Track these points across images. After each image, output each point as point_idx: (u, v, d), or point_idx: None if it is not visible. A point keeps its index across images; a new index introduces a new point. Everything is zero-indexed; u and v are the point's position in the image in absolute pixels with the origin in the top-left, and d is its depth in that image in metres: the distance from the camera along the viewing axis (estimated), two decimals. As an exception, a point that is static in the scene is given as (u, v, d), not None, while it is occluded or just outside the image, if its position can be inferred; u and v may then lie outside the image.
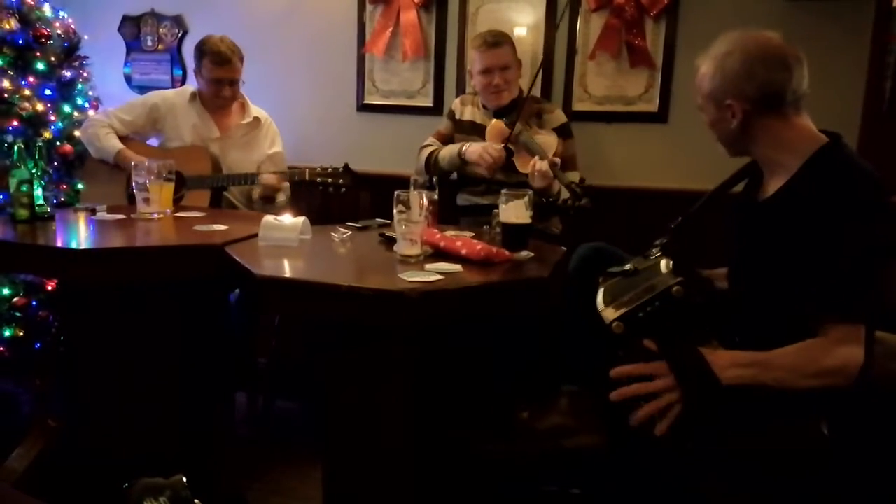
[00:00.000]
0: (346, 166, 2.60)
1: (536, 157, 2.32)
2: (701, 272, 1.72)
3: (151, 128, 2.84)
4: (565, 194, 2.23)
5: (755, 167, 1.65)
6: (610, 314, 1.41)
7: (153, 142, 2.89)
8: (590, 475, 1.73)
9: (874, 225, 1.39)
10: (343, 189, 2.60)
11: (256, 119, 2.89)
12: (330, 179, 2.59)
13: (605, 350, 1.46)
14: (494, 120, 2.59)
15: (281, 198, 2.79)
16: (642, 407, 1.39)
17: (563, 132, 2.61)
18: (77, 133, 2.83)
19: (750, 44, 1.50)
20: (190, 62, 3.32)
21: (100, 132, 2.72)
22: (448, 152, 2.64)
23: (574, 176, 2.54)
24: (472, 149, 2.54)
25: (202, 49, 2.73)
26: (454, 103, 2.82)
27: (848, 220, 1.39)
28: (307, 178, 2.62)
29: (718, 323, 1.47)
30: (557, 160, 2.32)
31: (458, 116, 2.76)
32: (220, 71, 2.72)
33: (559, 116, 2.66)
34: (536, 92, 2.79)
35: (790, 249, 1.45)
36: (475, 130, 2.68)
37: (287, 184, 2.87)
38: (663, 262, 1.46)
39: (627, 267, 1.55)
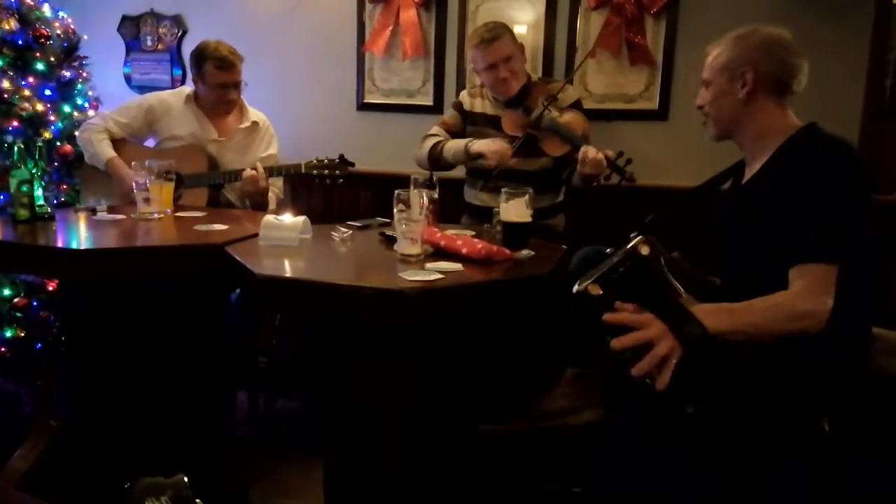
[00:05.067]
0: (341, 157, 2.59)
1: (588, 147, 2.28)
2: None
3: (148, 130, 2.82)
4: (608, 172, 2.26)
5: (739, 166, 1.72)
6: (584, 284, 1.43)
7: (150, 143, 2.88)
8: (590, 472, 1.73)
9: (843, 174, 1.46)
10: (340, 180, 2.59)
11: (255, 123, 2.87)
12: (326, 171, 2.58)
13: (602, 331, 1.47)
14: (508, 113, 2.54)
15: (272, 204, 2.76)
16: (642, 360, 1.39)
17: (579, 108, 2.58)
18: (77, 133, 2.83)
19: (771, 30, 1.62)
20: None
21: (94, 138, 2.69)
22: (454, 145, 2.57)
23: None
24: (478, 143, 2.49)
25: (202, 56, 2.70)
26: (462, 95, 2.74)
27: (816, 172, 1.47)
28: (303, 170, 2.61)
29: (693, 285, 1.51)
30: (610, 152, 2.26)
31: (468, 108, 2.69)
32: (224, 75, 2.69)
33: (571, 94, 2.61)
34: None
35: (771, 217, 1.50)
36: (489, 122, 2.62)
37: (279, 184, 2.87)
38: (635, 239, 1.48)
39: (607, 251, 1.59)
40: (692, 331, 1.36)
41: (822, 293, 1.39)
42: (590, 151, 2.26)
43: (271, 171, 2.68)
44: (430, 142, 2.66)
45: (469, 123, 2.69)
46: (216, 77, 2.70)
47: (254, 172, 2.59)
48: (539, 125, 2.45)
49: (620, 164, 2.22)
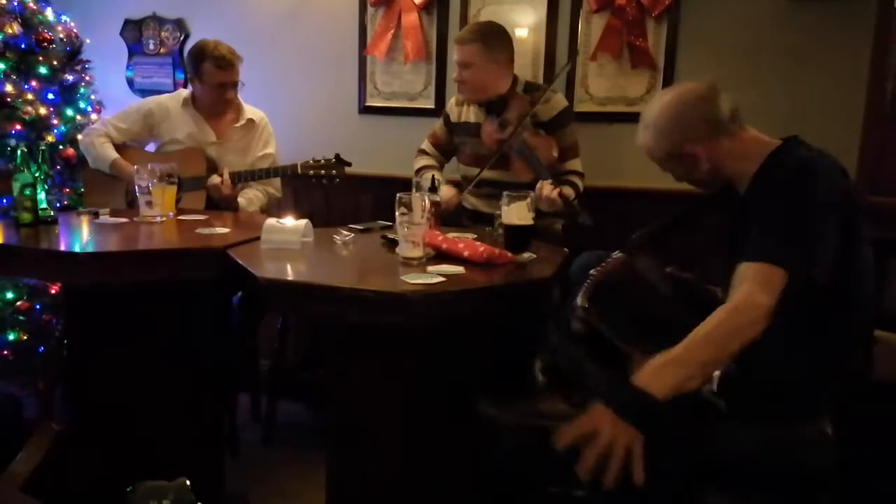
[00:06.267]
0: (337, 156, 2.59)
1: (545, 183, 2.26)
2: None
3: (147, 134, 2.83)
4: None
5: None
6: (536, 369, 1.42)
7: (150, 147, 2.89)
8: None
9: (802, 189, 1.43)
10: (336, 180, 2.59)
11: (251, 121, 2.87)
12: (323, 171, 2.58)
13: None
14: (486, 123, 2.53)
15: (252, 206, 2.75)
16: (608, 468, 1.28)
17: (561, 122, 2.54)
18: (80, 137, 2.84)
19: (670, 98, 1.62)
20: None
21: (95, 142, 2.71)
22: (427, 179, 2.56)
23: (576, 164, 2.54)
24: (441, 189, 2.49)
25: (201, 54, 2.69)
26: (449, 104, 2.74)
27: (776, 188, 1.46)
28: (299, 171, 2.61)
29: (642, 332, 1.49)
30: (570, 193, 2.22)
31: (454, 119, 2.70)
32: (222, 75, 2.69)
33: (555, 105, 2.54)
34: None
35: (747, 232, 1.48)
36: (469, 131, 2.63)
37: (276, 184, 2.87)
38: (580, 295, 1.46)
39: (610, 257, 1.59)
40: (645, 415, 1.26)
41: (757, 292, 1.33)
42: (545, 188, 2.25)
43: (268, 172, 2.69)
44: (419, 162, 2.74)
45: (455, 135, 2.71)
46: (214, 77, 2.70)
47: (218, 181, 2.61)
48: (510, 146, 2.44)
49: (576, 206, 2.17)
